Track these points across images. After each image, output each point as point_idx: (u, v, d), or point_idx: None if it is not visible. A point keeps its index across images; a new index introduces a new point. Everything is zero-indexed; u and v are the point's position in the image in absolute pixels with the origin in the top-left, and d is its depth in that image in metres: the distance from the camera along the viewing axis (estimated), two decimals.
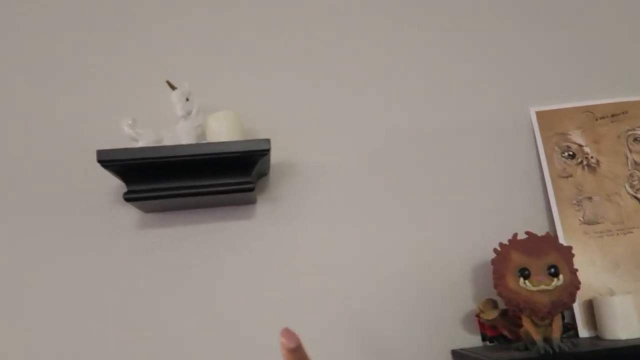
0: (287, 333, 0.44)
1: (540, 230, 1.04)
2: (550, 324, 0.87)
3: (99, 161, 0.82)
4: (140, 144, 0.86)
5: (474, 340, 1.01)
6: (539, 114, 1.13)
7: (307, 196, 1.04)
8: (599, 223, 1.04)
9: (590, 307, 0.98)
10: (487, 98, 1.14)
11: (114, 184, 1.00)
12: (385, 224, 1.05)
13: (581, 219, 1.04)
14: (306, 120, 1.09)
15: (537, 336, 0.86)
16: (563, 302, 0.85)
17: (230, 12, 1.12)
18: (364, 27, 1.15)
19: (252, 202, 1.01)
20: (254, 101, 1.08)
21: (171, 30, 1.10)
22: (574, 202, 1.05)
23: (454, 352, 0.98)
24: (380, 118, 1.10)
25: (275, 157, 1.04)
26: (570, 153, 1.09)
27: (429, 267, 1.04)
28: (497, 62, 1.17)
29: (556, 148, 1.09)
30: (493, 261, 0.92)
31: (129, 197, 0.86)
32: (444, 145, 1.10)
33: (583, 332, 0.97)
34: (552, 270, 0.86)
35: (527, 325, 0.87)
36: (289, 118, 1.08)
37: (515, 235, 0.91)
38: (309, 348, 0.95)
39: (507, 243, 0.92)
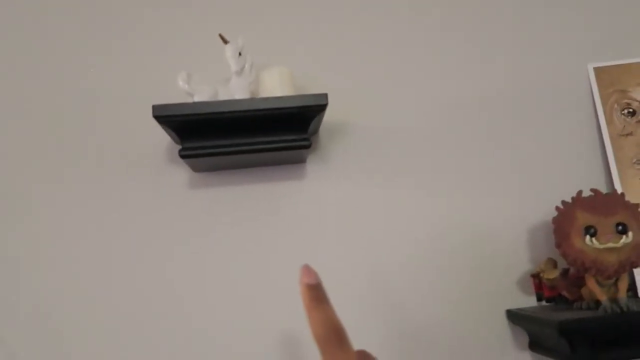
0: (307, 270, 0.42)
1: (599, 190, 1.01)
2: (616, 284, 0.85)
3: (155, 116, 0.80)
4: (196, 99, 0.83)
5: (529, 301, 0.99)
6: (597, 70, 1.08)
7: (357, 157, 1.02)
8: None
9: None
10: (542, 55, 1.10)
11: (164, 142, 0.98)
12: (437, 189, 1.03)
13: None
14: (358, 81, 1.06)
15: (602, 296, 0.84)
16: (631, 261, 0.83)
17: None
18: None
19: (303, 160, 0.99)
20: (305, 59, 1.05)
21: None
22: (634, 161, 1.02)
23: (509, 313, 0.97)
24: (434, 82, 1.07)
25: (325, 115, 1.01)
26: (630, 110, 1.05)
27: (483, 229, 1.02)
28: (551, 17, 1.12)
29: (615, 105, 1.05)
30: (555, 220, 0.89)
31: (185, 154, 0.84)
32: (498, 106, 1.07)
33: None
34: (621, 228, 0.83)
35: (591, 284, 0.85)
36: (340, 78, 1.06)
37: (580, 192, 0.88)
38: (359, 307, 0.95)
39: (569, 201, 0.89)
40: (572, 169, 1.04)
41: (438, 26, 1.09)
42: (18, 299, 0.90)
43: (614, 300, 0.84)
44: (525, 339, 0.96)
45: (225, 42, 0.89)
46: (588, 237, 0.83)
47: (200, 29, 1.03)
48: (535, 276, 0.97)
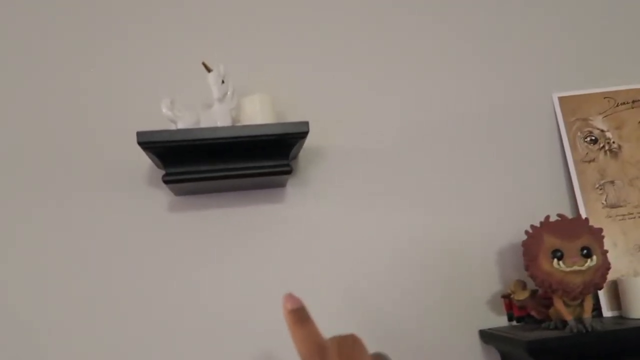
0: (290, 297, 0.44)
1: (564, 213, 1.06)
2: (581, 304, 0.90)
3: (139, 143, 0.81)
4: (180, 125, 0.85)
5: (500, 321, 1.03)
6: (561, 99, 1.15)
7: (335, 180, 1.05)
8: (621, 206, 1.06)
9: (614, 288, 1.01)
10: (510, 83, 1.16)
11: (145, 165, 0.99)
12: (412, 208, 1.06)
13: (604, 202, 1.07)
14: (334, 104, 1.09)
15: (568, 316, 0.88)
16: (595, 283, 0.88)
17: None
18: (391, 14, 1.15)
19: (282, 185, 1.01)
20: (282, 84, 1.08)
21: (206, 12, 1.08)
22: (597, 186, 1.08)
23: (482, 332, 1.00)
24: (405, 104, 1.11)
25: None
26: (593, 138, 1.11)
27: (454, 250, 1.06)
28: (519, 47, 1.18)
29: (579, 133, 1.11)
30: (524, 243, 0.94)
31: (168, 180, 0.85)
32: (468, 130, 1.11)
33: (607, 312, 1.00)
34: (585, 251, 0.88)
35: (558, 305, 0.90)
36: (317, 102, 1.09)
37: (548, 217, 0.93)
38: (335, 325, 0.97)
39: (538, 225, 0.94)
40: (539, 192, 1.10)
41: (412, 52, 1.13)
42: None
43: (579, 320, 0.88)
44: (497, 358, 1.00)
45: (209, 70, 0.91)
46: (555, 260, 0.87)
47: (182, 54, 1.05)
48: (506, 297, 1.01)
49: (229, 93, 0.92)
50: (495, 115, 1.13)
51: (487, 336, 0.98)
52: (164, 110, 0.85)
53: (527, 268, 0.92)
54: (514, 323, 1.02)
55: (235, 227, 1.00)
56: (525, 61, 1.17)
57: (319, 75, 1.09)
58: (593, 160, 1.09)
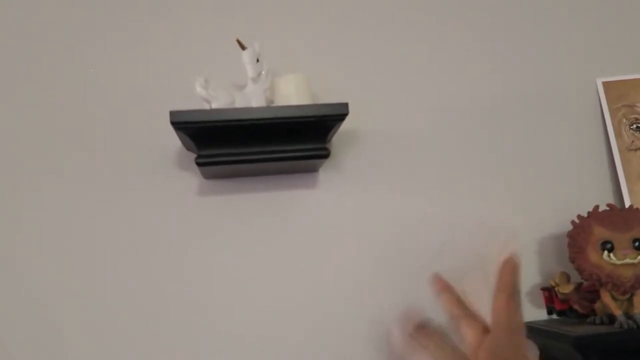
0: (437, 279, 0.55)
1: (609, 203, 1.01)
2: (630, 299, 0.86)
3: (172, 123, 0.78)
4: (214, 105, 0.81)
5: (538, 314, 1.00)
6: (606, 85, 1.09)
7: (370, 165, 1.01)
8: None
9: None
10: (552, 68, 1.11)
11: (174, 147, 0.96)
12: (450, 196, 1.02)
13: None
14: (370, 87, 1.05)
15: (617, 311, 0.84)
16: None
17: None
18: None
19: (315, 169, 0.97)
20: (317, 66, 1.03)
21: None
22: None
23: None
24: (445, 88, 1.06)
25: None
26: (639, 125, 1.06)
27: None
28: (562, 30, 1.13)
29: (624, 120, 1.06)
30: (570, 234, 0.89)
31: (202, 162, 0.82)
32: (509, 117, 1.07)
33: None
34: (637, 243, 0.83)
35: (606, 299, 0.85)
36: (352, 84, 1.04)
37: (597, 207, 0.88)
38: (371, 312, 0.94)
39: (585, 215, 0.90)
40: (582, 181, 1.05)
41: (451, 36, 1.09)
42: (19, 302, 0.87)
43: (629, 315, 0.84)
44: (535, 352, 0.96)
45: (243, 47, 0.87)
46: (605, 252, 0.83)
47: (216, 33, 1.01)
48: (546, 289, 0.97)
49: (263, 72, 0.88)
50: (537, 102, 1.08)
51: (529, 330, 0.94)
52: (198, 89, 0.81)
53: (572, 260, 0.88)
54: (554, 317, 0.97)
55: (266, 212, 0.96)
56: (568, 45, 1.12)
57: (355, 57, 1.05)
58: (639, 148, 1.04)
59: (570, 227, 0.93)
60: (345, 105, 0.82)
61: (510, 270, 0.49)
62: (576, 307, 0.93)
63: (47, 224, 0.91)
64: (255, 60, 0.87)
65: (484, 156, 1.04)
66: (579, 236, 0.88)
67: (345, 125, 0.98)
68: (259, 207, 0.97)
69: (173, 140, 0.95)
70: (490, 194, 1.03)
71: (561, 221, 1.02)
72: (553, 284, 0.92)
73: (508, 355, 0.45)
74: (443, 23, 1.09)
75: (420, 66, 1.07)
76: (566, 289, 0.89)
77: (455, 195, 1.02)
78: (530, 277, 1.00)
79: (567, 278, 0.92)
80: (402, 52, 1.07)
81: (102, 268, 0.90)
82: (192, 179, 0.96)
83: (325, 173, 1.00)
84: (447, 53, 1.08)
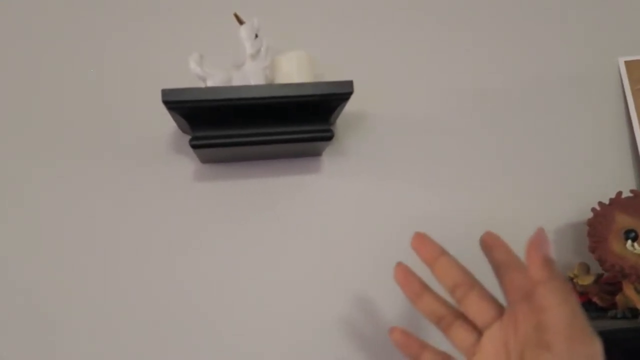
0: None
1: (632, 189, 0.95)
2: None
3: (164, 101, 0.72)
4: (209, 83, 0.76)
5: None
6: (628, 64, 1.03)
7: (376, 149, 0.96)
8: None
9: None
10: (570, 48, 1.04)
11: (168, 130, 0.90)
12: (459, 183, 0.97)
13: None
14: (376, 67, 0.99)
15: None
16: None
17: None
18: None
19: (319, 153, 0.92)
20: (319, 44, 0.98)
21: None
22: None
23: None
24: (456, 71, 1.00)
25: None
26: None
27: (506, 229, 0.95)
28: (581, 7, 1.06)
29: None
30: (591, 222, 0.84)
31: (196, 144, 0.77)
32: (523, 99, 1.01)
33: None
34: None
35: (629, 292, 0.80)
36: (356, 64, 0.98)
37: (620, 194, 0.83)
38: (375, 305, 0.89)
39: (607, 203, 0.84)
40: (602, 166, 0.99)
41: (463, 16, 1.03)
42: (12, 298, 0.82)
43: None
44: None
45: (241, 22, 0.81)
46: (629, 241, 0.77)
47: (211, 8, 0.95)
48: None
49: (262, 49, 0.82)
50: (554, 83, 1.02)
51: None
52: (192, 65, 0.76)
53: (593, 250, 0.82)
54: None
55: (266, 198, 0.91)
56: (587, 23, 1.05)
57: (361, 37, 1.00)
58: None
59: (590, 214, 0.87)
60: (350, 83, 0.76)
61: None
62: (596, 299, 0.87)
63: (37, 215, 0.86)
64: (254, 36, 0.81)
65: (498, 141, 0.98)
66: (600, 225, 0.82)
67: (350, 107, 0.93)
68: (260, 192, 0.92)
69: (168, 122, 0.90)
70: (505, 181, 0.97)
71: (581, 208, 0.96)
72: (572, 275, 0.86)
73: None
74: (454, 3, 1.03)
75: (430, 47, 1.01)
76: (585, 281, 0.83)
77: (466, 183, 0.96)
78: None
79: (587, 269, 0.87)
80: (411, 33, 1.01)
81: (96, 260, 0.86)
82: (188, 163, 0.91)
83: (330, 157, 0.94)
84: (458, 34, 1.02)
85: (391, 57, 0.99)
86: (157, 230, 0.87)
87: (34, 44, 0.92)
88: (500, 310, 0.48)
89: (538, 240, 0.43)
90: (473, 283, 0.50)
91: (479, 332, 0.50)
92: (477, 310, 0.48)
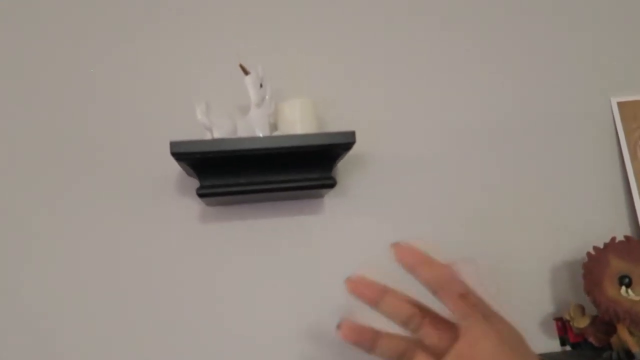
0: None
1: (623, 232, 0.98)
2: None
3: (173, 154, 0.74)
4: (216, 134, 0.78)
5: (550, 344, 0.96)
6: (621, 105, 1.06)
7: (376, 190, 0.98)
8: None
9: None
10: (565, 88, 1.07)
11: (174, 173, 0.93)
12: (458, 222, 0.99)
13: None
14: (373, 110, 1.01)
15: (635, 347, 0.81)
16: None
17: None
18: (436, 15, 1.07)
19: (320, 195, 0.94)
20: (319, 87, 1.00)
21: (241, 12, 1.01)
22: None
23: None
24: (453, 111, 1.03)
25: None
26: None
27: (503, 268, 0.98)
28: (575, 48, 1.09)
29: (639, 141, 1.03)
30: (586, 266, 0.86)
31: (203, 193, 0.79)
32: (518, 138, 1.04)
33: None
34: None
35: (623, 335, 0.82)
36: (355, 108, 1.01)
37: (614, 239, 0.85)
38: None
39: (601, 247, 0.86)
40: (596, 206, 1.02)
41: (459, 54, 1.05)
42: (22, 330, 0.84)
43: None
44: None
45: (246, 72, 0.84)
46: (624, 287, 0.80)
47: (218, 56, 0.98)
48: (559, 319, 0.94)
49: (267, 97, 0.85)
50: (548, 122, 1.05)
51: None
52: (199, 116, 0.78)
53: (588, 293, 0.85)
54: (568, 348, 0.94)
55: (271, 239, 0.93)
56: (581, 63, 1.09)
57: (356, 80, 1.02)
58: None
59: (584, 254, 0.89)
60: (352, 133, 0.79)
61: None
62: (591, 339, 0.89)
63: (43, 253, 0.88)
64: (259, 85, 0.83)
65: (494, 179, 1.00)
66: (594, 268, 0.84)
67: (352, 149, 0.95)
68: (264, 234, 0.94)
69: (173, 165, 0.92)
70: (501, 219, 0.99)
71: (575, 248, 0.99)
72: (568, 317, 0.88)
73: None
74: (451, 44, 1.06)
75: (427, 87, 1.03)
76: (581, 324, 0.86)
77: (464, 220, 0.99)
78: (543, 306, 0.97)
79: (582, 310, 0.89)
80: (409, 74, 1.03)
81: (101, 297, 0.87)
82: (193, 205, 0.93)
83: (331, 199, 0.96)
84: (455, 74, 1.04)
85: (389, 99, 1.02)
86: (162, 270, 0.89)
87: (50, 88, 0.94)
88: (454, 334, 0.48)
89: (448, 277, 0.45)
90: (423, 312, 0.50)
91: (440, 356, 0.50)
92: (434, 338, 0.48)
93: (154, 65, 0.97)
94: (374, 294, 0.48)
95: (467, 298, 0.43)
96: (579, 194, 1.02)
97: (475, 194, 0.99)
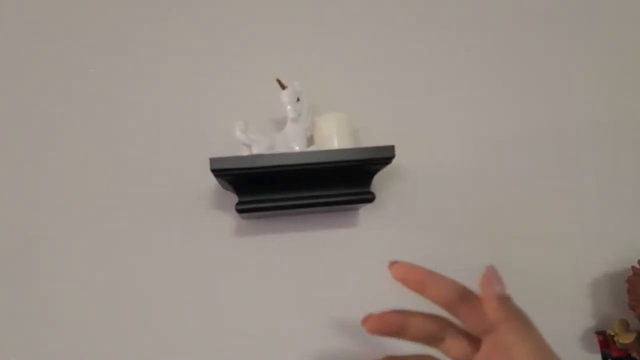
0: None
1: None
2: None
3: (213, 170, 0.75)
4: (254, 151, 0.78)
5: (592, 359, 0.94)
6: None
7: (413, 202, 0.97)
8: None
9: None
10: (611, 94, 1.05)
11: (209, 185, 0.93)
12: (495, 234, 0.97)
13: None
14: (411, 121, 1.00)
15: None
16: None
17: (334, 12, 1.03)
18: (476, 27, 1.06)
19: (355, 208, 0.93)
20: (352, 100, 1.00)
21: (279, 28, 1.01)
22: None
23: None
24: (493, 123, 1.02)
25: None
26: None
27: (541, 282, 0.97)
28: (618, 53, 1.07)
29: None
30: (630, 280, 0.84)
31: (242, 209, 0.79)
32: (561, 148, 1.02)
33: None
34: None
35: None
36: (389, 119, 1.00)
37: None
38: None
39: None
40: (636, 217, 0.99)
41: (495, 62, 1.04)
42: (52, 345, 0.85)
43: None
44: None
45: (283, 87, 0.84)
46: None
47: (253, 71, 0.98)
48: (601, 333, 0.92)
49: (303, 112, 0.85)
50: (594, 131, 1.03)
51: None
52: (238, 133, 0.78)
53: (633, 308, 0.83)
54: None
55: (305, 252, 0.94)
56: (622, 69, 1.06)
57: (395, 91, 1.01)
58: None
59: (626, 266, 0.88)
60: (392, 148, 0.78)
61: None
62: (635, 355, 0.87)
63: (78, 264, 0.89)
64: (296, 99, 0.83)
65: (534, 192, 0.99)
66: (639, 284, 0.82)
67: None
68: (298, 246, 0.94)
69: (208, 177, 0.92)
70: (541, 232, 0.98)
71: (617, 260, 0.97)
72: (612, 332, 0.87)
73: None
74: (490, 52, 1.05)
75: (465, 98, 1.02)
76: (626, 339, 0.84)
77: (502, 232, 0.97)
78: (583, 320, 0.95)
79: (627, 326, 0.87)
80: (446, 85, 1.02)
81: (135, 309, 0.88)
82: (228, 218, 0.93)
83: (365, 211, 0.96)
84: (495, 82, 1.03)
85: (425, 110, 1.01)
86: (197, 281, 0.90)
87: (90, 98, 0.96)
88: (476, 344, 0.48)
89: (489, 279, 0.44)
90: (445, 326, 0.49)
91: (473, 338, 0.49)
92: (455, 352, 0.48)
93: (193, 80, 0.97)
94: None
95: (507, 301, 0.42)
96: (621, 204, 1.00)
97: (514, 208, 0.98)
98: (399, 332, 0.49)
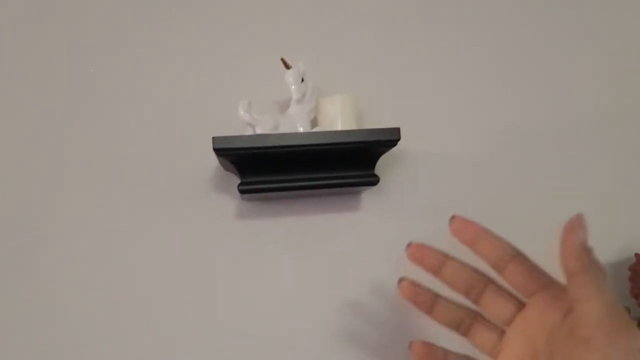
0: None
1: None
2: None
3: (215, 149, 0.73)
4: (258, 130, 0.77)
5: None
6: None
7: (416, 187, 0.96)
8: None
9: None
10: (628, 81, 1.03)
11: (208, 167, 0.92)
12: (499, 221, 0.96)
13: None
14: (417, 106, 0.99)
15: None
16: None
17: None
18: (484, 13, 1.04)
19: (357, 192, 0.92)
20: (357, 82, 0.98)
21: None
22: None
23: None
24: (501, 109, 1.00)
25: None
26: None
27: (548, 266, 0.96)
28: (613, 44, 1.06)
29: None
30: (633, 268, 0.84)
31: (244, 189, 0.78)
32: (570, 138, 1.01)
33: None
34: None
35: None
36: (394, 103, 0.99)
37: None
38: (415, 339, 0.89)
39: None
40: None
41: (507, 49, 1.03)
42: (52, 331, 0.84)
43: None
44: None
45: (288, 67, 0.82)
46: None
47: (257, 50, 0.97)
48: None
49: (307, 93, 0.83)
50: (593, 121, 1.02)
51: None
52: (242, 112, 0.77)
53: (635, 296, 0.83)
54: None
55: (306, 235, 0.93)
56: (635, 60, 1.05)
57: (401, 76, 1.00)
58: None
59: (629, 255, 0.87)
60: (397, 130, 0.77)
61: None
62: None
63: (78, 246, 0.87)
64: (300, 80, 0.82)
65: (539, 180, 0.98)
66: None
67: None
68: (300, 229, 0.93)
69: (210, 158, 0.91)
70: (544, 219, 0.97)
71: (619, 249, 0.96)
72: None
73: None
74: (499, 37, 1.03)
75: (474, 84, 1.01)
76: None
77: (509, 222, 0.96)
78: None
79: (628, 314, 0.86)
80: (453, 69, 1.01)
81: (134, 289, 0.87)
82: (229, 200, 0.92)
83: (368, 195, 0.95)
84: (504, 69, 1.02)
85: (432, 95, 1.00)
86: (198, 266, 0.89)
87: (89, 84, 0.94)
88: (519, 303, 0.46)
89: (575, 225, 0.41)
90: (486, 281, 0.48)
91: (500, 330, 0.48)
92: (495, 307, 0.46)
93: (193, 60, 0.96)
94: (435, 260, 0.47)
95: (589, 252, 0.40)
96: (623, 193, 0.99)
97: (521, 196, 0.97)
98: (436, 268, 0.48)
